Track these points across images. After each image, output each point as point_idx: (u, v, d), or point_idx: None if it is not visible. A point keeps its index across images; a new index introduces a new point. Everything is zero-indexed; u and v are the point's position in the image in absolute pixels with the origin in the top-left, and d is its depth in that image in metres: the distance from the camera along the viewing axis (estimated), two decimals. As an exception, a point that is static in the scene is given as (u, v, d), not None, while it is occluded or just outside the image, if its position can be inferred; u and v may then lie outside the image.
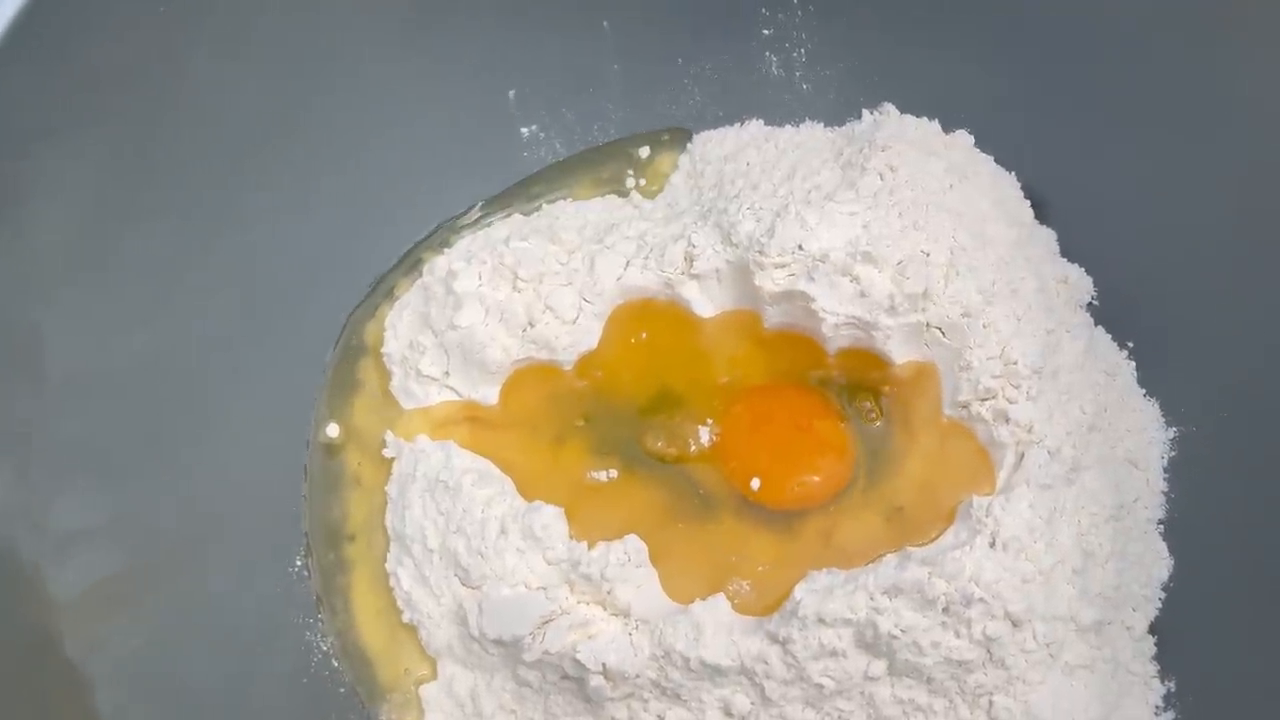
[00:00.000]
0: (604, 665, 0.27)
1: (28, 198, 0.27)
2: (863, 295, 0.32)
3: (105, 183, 0.29)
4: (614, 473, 0.31)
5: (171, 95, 0.29)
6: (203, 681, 0.28)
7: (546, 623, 0.28)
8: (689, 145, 0.38)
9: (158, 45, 0.29)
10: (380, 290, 0.35)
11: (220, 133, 0.31)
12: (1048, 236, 0.35)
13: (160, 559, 0.29)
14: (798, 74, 0.38)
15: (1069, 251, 0.35)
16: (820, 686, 0.27)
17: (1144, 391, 0.34)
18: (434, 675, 0.30)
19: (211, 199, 0.31)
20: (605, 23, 0.36)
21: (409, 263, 0.35)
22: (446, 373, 0.33)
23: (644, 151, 0.37)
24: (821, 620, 0.27)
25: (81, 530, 0.28)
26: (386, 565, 0.31)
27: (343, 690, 0.29)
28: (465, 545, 0.29)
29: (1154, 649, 0.30)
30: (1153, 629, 0.30)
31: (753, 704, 0.27)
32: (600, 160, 0.37)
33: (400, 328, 0.34)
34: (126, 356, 0.30)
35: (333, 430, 0.33)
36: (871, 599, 0.27)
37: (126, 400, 0.29)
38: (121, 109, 0.29)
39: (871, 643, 0.27)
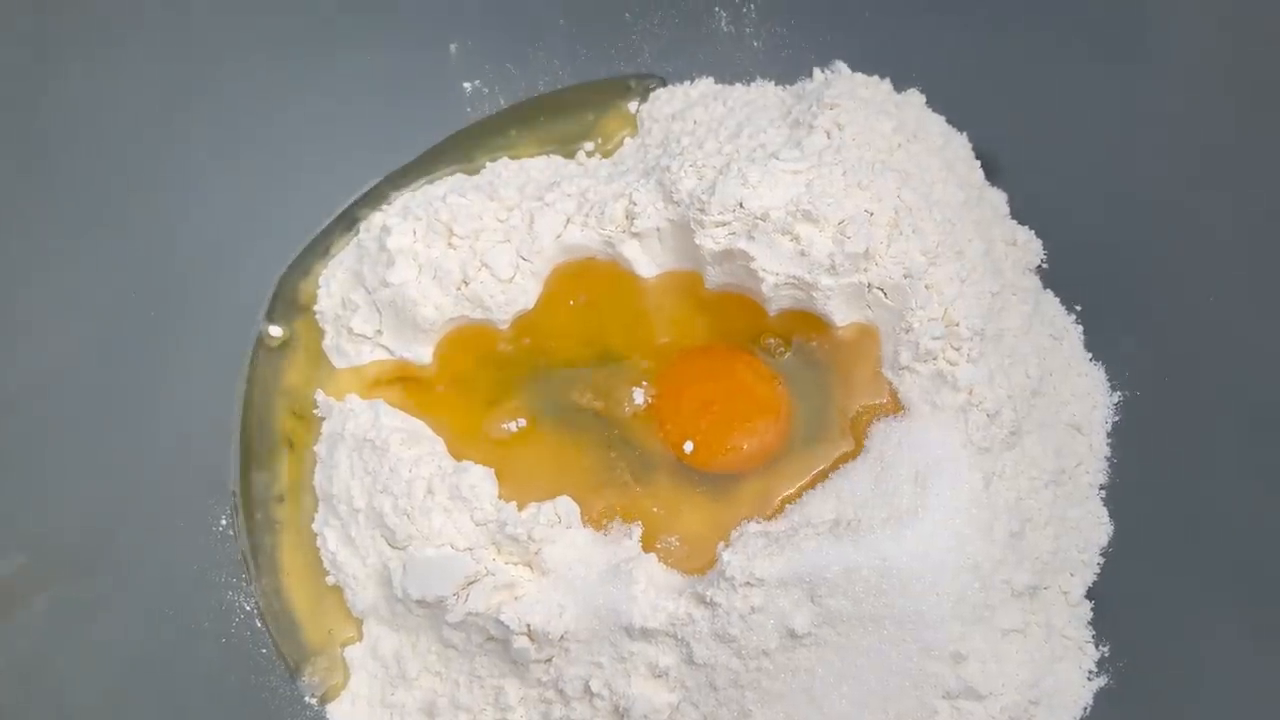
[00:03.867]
0: (528, 626, 0.27)
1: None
2: (803, 255, 0.31)
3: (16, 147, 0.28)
4: (547, 435, 0.31)
5: (87, 46, 0.28)
6: (121, 640, 0.27)
7: (471, 583, 0.27)
8: (635, 106, 0.37)
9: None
10: (316, 249, 0.34)
11: (141, 86, 0.30)
12: (998, 198, 0.35)
13: (87, 523, 0.28)
14: (748, 30, 0.37)
15: (1019, 214, 0.35)
16: (747, 646, 0.27)
17: (1090, 356, 0.33)
18: (359, 637, 0.29)
19: (133, 155, 0.30)
20: (549, -27, 0.35)
21: (345, 221, 0.35)
22: (379, 331, 0.32)
23: (593, 113, 0.37)
24: (749, 581, 0.27)
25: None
26: (314, 526, 0.30)
27: (265, 651, 0.29)
28: (392, 505, 0.28)
29: (1090, 614, 0.30)
30: (1090, 594, 0.30)
31: (680, 663, 0.27)
32: (545, 118, 0.36)
33: (333, 285, 0.33)
34: (55, 324, 0.29)
35: (263, 389, 0.32)
36: (801, 556, 0.27)
37: (61, 362, 0.28)
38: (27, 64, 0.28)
39: (800, 599, 0.27)
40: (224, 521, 0.30)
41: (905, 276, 0.31)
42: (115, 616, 0.27)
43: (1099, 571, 0.30)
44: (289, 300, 0.33)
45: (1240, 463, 0.29)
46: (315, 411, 0.31)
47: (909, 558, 0.28)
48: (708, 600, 0.27)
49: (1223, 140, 0.31)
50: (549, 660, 0.28)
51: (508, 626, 0.27)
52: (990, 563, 0.28)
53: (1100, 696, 0.28)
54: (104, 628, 0.27)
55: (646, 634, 0.27)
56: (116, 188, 0.29)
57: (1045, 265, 0.34)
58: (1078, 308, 0.33)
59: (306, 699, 0.29)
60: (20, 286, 0.27)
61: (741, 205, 0.31)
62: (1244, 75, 0.30)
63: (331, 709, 0.29)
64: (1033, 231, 0.34)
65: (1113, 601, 0.30)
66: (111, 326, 0.29)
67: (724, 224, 0.31)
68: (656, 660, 0.27)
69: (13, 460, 0.26)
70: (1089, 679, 0.29)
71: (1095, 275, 0.33)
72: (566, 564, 0.28)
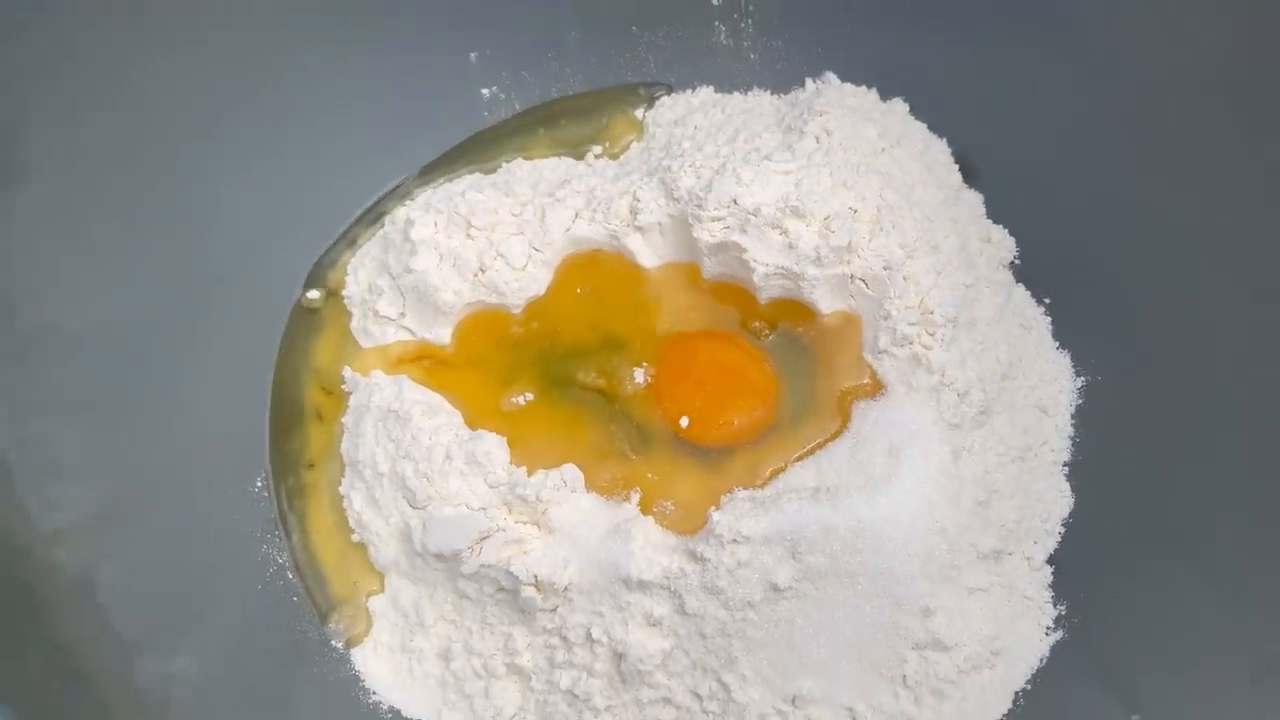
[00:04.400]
0: (535, 577, 0.30)
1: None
2: (791, 247, 0.34)
3: (84, 147, 0.31)
4: (555, 409, 0.34)
5: (143, 58, 0.31)
6: (168, 588, 0.30)
7: (484, 539, 0.30)
8: (641, 112, 0.40)
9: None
10: (344, 240, 0.37)
11: (194, 92, 0.33)
12: (974, 199, 0.37)
13: (136, 486, 0.31)
14: (746, 43, 0.40)
15: (994, 214, 0.37)
16: (734, 598, 0.29)
17: (1057, 345, 0.36)
18: (382, 589, 0.32)
19: (186, 153, 0.33)
20: (562, -10, 0.38)
21: (372, 215, 0.38)
22: (402, 314, 0.35)
23: (602, 118, 0.40)
24: (736, 539, 0.30)
25: (68, 464, 0.30)
26: (340, 489, 0.33)
27: (296, 600, 0.32)
28: (413, 469, 0.31)
29: (1049, 578, 0.32)
30: (1051, 560, 0.33)
31: (673, 613, 0.30)
32: (557, 122, 0.39)
33: (360, 272, 0.36)
34: (108, 305, 0.32)
35: (295, 367, 0.35)
36: (783, 517, 0.30)
37: (110, 346, 0.31)
38: (94, 74, 0.31)
39: (782, 555, 0.29)
40: (259, 484, 0.33)
41: (885, 268, 0.34)
42: (163, 563, 0.30)
43: (1060, 540, 0.33)
44: (320, 286, 0.36)
45: (1190, 442, 0.32)
46: (343, 387, 0.34)
47: (881, 520, 0.30)
48: (698, 556, 0.30)
49: (1178, 149, 0.34)
50: (554, 609, 0.30)
51: (517, 577, 0.30)
52: (957, 527, 0.31)
53: (1056, 649, 0.31)
54: (153, 575, 0.30)
55: (643, 586, 0.30)
56: (169, 179, 0.32)
57: (1018, 261, 0.37)
58: (1046, 300, 0.36)
59: (334, 643, 0.32)
60: (97, 253, 0.30)
61: (735, 202, 0.34)
62: (1201, 86, 0.33)
63: (356, 653, 0.32)
64: (1006, 230, 0.37)
65: (1071, 566, 0.32)
66: (160, 306, 0.32)
67: (719, 219, 0.34)
68: (651, 610, 0.30)
69: (79, 404, 0.30)
70: (1046, 634, 0.31)
71: (1063, 271, 0.36)
72: (571, 524, 0.31)
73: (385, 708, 0.31)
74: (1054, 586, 0.32)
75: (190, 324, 0.33)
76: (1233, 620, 0.29)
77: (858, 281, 0.34)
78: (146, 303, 0.32)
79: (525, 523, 0.31)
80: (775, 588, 0.29)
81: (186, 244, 0.33)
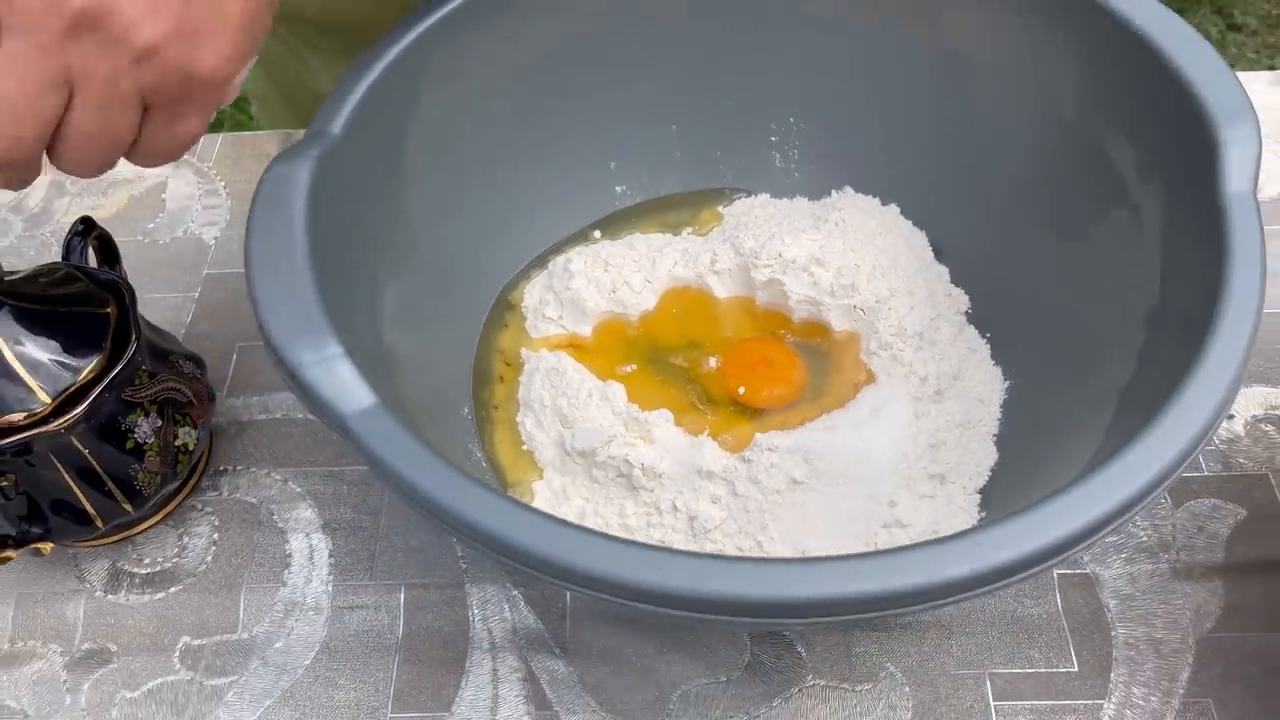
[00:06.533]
0: (642, 465, 0.46)
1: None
2: (815, 285, 0.52)
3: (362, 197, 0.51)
4: (655, 379, 0.51)
5: (440, 131, 0.50)
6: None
7: (610, 441, 0.47)
8: (722, 208, 0.59)
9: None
10: (521, 274, 0.56)
11: (444, 167, 0.53)
12: (941, 269, 0.55)
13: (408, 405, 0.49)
14: (792, 166, 0.59)
15: (955, 279, 0.55)
16: (768, 486, 0.46)
17: (993, 362, 0.53)
18: (541, 478, 0.49)
19: (433, 216, 0.53)
20: (673, 126, 0.58)
21: (539, 261, 0.57)
22: (560, 317, 0.53)
23: (694, 210, 0.59)
24: (770, 448, 0.46)
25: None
26: (517, 418, 0.51)
27: (487, 480, 0.49)
28: (566, 402, 0.49)
29: (977, 499, 0.48)
30: (980, 491, 0.49)
31: (728, 495, 0.46)
32: (663, 211, 0.59)
33: (533, 292, 0.54)
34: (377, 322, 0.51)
35: (488, 348, 0.53)
36: (800, 437, 0.47)
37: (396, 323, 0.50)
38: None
39: (799, 461, 0.46)
40: (465, 411, 0.51)
41: (876, 302, 0.52)
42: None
43: (986, 480, 0.49)
44: (507, 302, 0.55)
45: (1081, 421, 0.48)
46: (520, 360, 0.53)
47: (863, 444, 0.46)
48: (746, 459, 0.47)
49: (1084, 243, 0.51)
50: (652, 490, 0.47)
51: (631, 464, 0.46)
52: (914, 455, 0.47)
53: (975, 533, 0.46)
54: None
55: (709, 475, 0.46)
56: (426, 231, 0.52)
57: (970, 311, 0.54)
58: (988, 334, 0.53)
59: (509, 509, 0.48)
60: (360, 285, 0.49)
61: (780, 255, 0.52)
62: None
63: (522, 516, 0.48)
64: (963, 290, 0.55)
65: (992, 496, 0.48)
66: (416, 308, 0.51)
67: (769, 266, 0.53)
68: (714, 491, 0.46)
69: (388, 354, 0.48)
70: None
71: (999, 316, 0.53)
72: (665, 437, 0.48)
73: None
74: (980, 506, 0.48)
75: (434, 320, 0.51)
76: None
77: (858, 310, 0.52)
78: (406, 308, 0.51)
79: (636, 437, 0.48)
80: (794, 481, 0.46)
81: (426, 273, 0.52)
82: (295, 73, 0.60)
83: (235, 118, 1.67)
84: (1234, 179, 0.39)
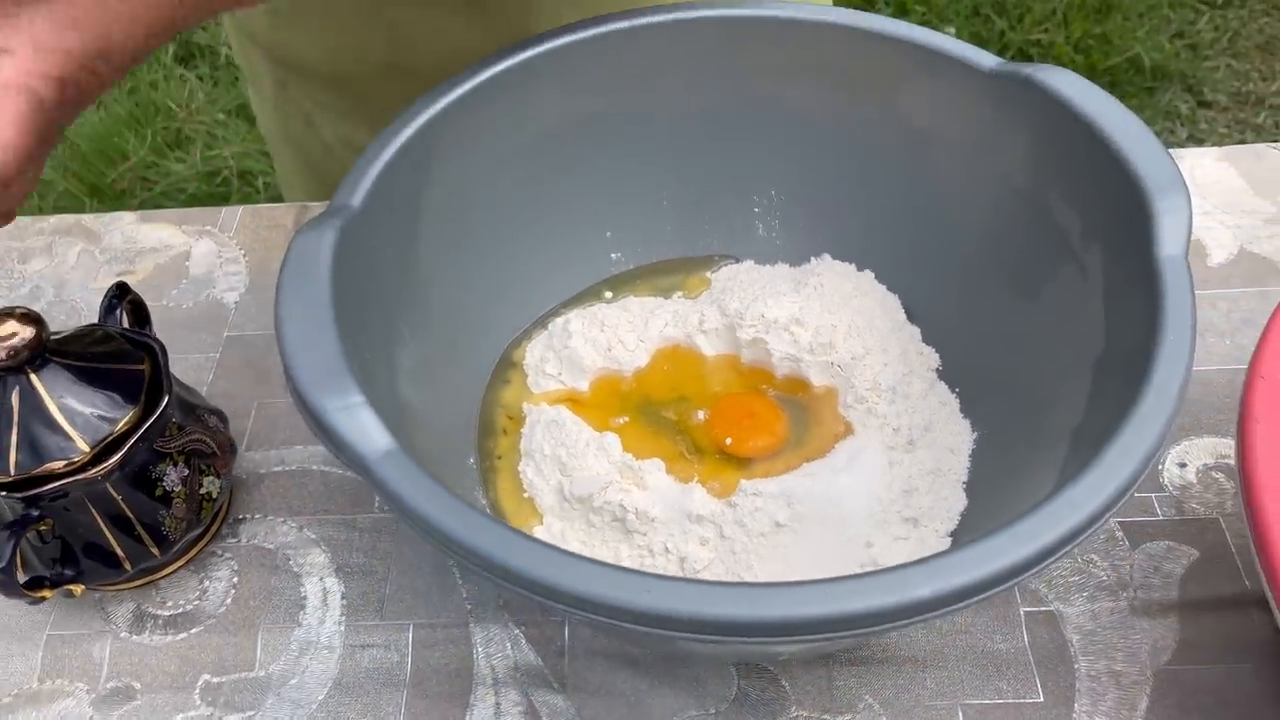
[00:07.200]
0: (636, 509, 0.50)
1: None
2: (796, 343, 0.56)
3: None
4: (646, 430, 0.55)
5: (443, 205, 0.56)
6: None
7: (606, 488, 0.51)
8: (710, 273, 0.64)
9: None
10: (524, 334, 0.60)
11: (454, 236, 0.58)
12: (913, 329, 0.59)
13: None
14: (774, 235, 0.63)
15: (926, 339, 0.59)
16: (753, 529, 0.49)
17: (963, 414, 0.57)
18: (542, 523, 0.52)
19: (443, 274, 0.57)
20: (664, 199, 0.62)
21: (540, 322, 0.61)
22: (560, 373, 0.57)
23: (685, 275, 0.64)
24: (755, 494, 0.50)
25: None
26: (519, 469, 0.54)
27: (491, 524, 0.52)
28: (566, 453, 0.52)
29: (949, 542, 0.52)
30: (951, 535, 0.52)
31: (716, 537, 0.50)
32: (656, 276, 0.63)
33: (534, 351, 0.58)
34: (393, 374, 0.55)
35: (492, 403, 0.57)
36: (783, 482, 0.50)
37: (410, 379, 0.54)
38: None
39: (781, 505, 0.50)
40: (471, 462, 0.55)
41: (852, 359, 0.56)
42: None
43: (956, 524, 0.52)
44: (509, 360, 0.59)
45: (1039, 462, 0.52)
46: (522, 413, 0.56)
47: (840, 490, 0.50)
48: (732, 504, 0.50)
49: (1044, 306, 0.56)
50: (645, 533, 0.50)
51: (625, 509, 0.50)
52: (887, 501, 0.50)
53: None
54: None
55: (698, 519, 0.49)
56: (437, 290, 0.56)
57: (940, 369, 0.59)
58: (957, 390, 0.57)
59: (511, 551, 0.52)
60: (378, 349, 0.53)
61: (763, 316, 0.57)
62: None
63: (523, 558, 0.52)
64: (933, 349, 0.59)
65: (962, 539, 0.52)
66: (427, 365, 0.55)
67: (753, 326, 0.57)
68: (703, 534, 0.49)
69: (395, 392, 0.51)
70: (942, 565, 0.50)
71: (967, 374, 0.57)
72: (657, 485, 0.51)
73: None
74: (951, 548, 0.51)
75: (444, 376, 0.55)
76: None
77: (836, 366, 0.56)
78: (418, 364, 0.55)
79: (630, 483, 0.52)
80: (778, 524, 0.49)
81: (437, 333, 0.57)
82: (303, 122, 0.65)
83: (243, 190, 1.73)
84: (1167, 244, 0.43)
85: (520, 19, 0.60)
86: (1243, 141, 2.05)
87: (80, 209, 1.72)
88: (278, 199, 1.69)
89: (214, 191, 1.74)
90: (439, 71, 0.53)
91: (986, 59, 0.52)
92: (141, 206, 1.76)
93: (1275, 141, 0.69)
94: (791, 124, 0.59)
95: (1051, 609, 0.50)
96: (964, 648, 0.49)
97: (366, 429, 0.40)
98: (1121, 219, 0.46)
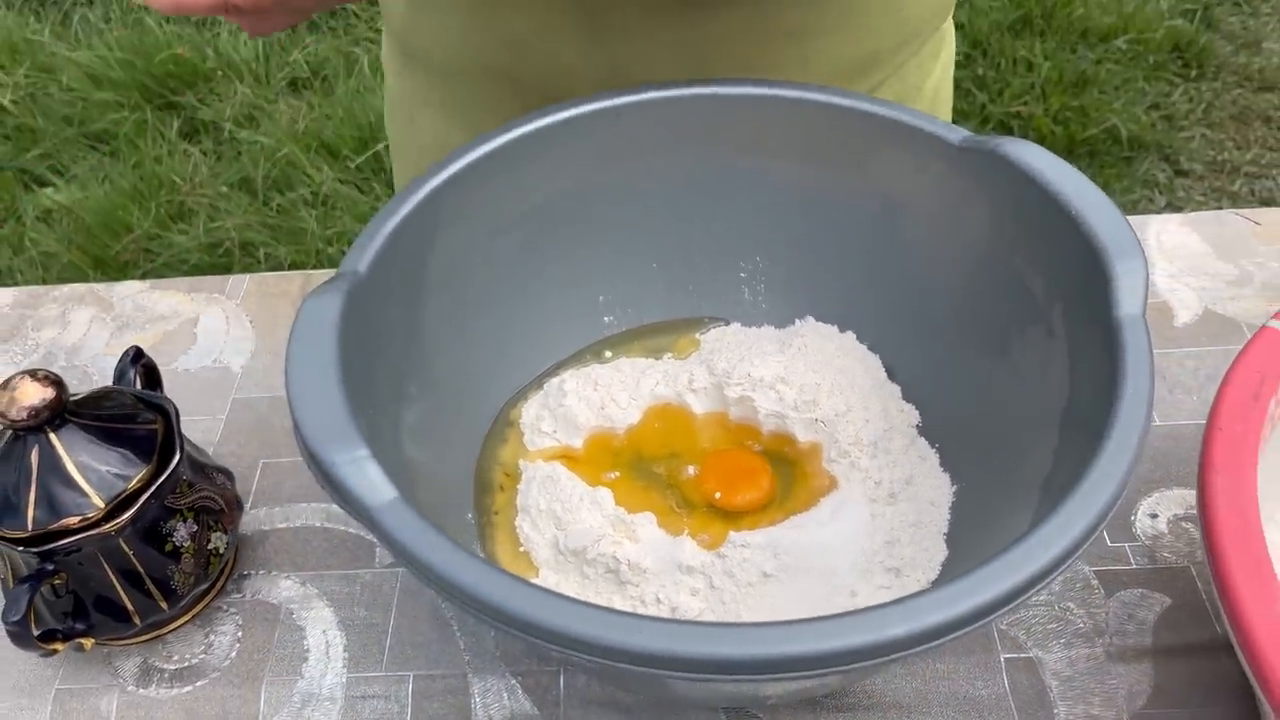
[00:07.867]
0: (628, 561, 0.52)
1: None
2: (780, 400, 0.59)
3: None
4: (638, 485, 0.57)
5: (447, 272, 0.59)
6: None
7: (599, 540, 0.53)
8: (698, 335, 0.67)
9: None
10: (519, 395, 0.63)
11: (454, 301, 0.60)
12: (894, 388, 0.62)
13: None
14: (760, 299, 0.66)
15: (906, 396, 0.62)
16: (741, 579, 0.51)
17: (942, 468, 0.59)
18: (538, 576, 0.54)
19: (444, 337, 0.60)
20: (654, 265, 0.65)
21: (537, 382, 0.63)
22: (555, 431, 0.60)
23: (675, 337, 0.66)
24: (744, 545, 0.52)
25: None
26: (515, 523, 0.56)
27: (489, 577, 0.54)
28: (560, 507, 0.54)
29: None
30: (932, 583, 0.54)
31: (705, 588, 0.52)
32: (646, 338, 0.66)
33: (530, 410, 0.61)
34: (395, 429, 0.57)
35: (489, 460, 0.59)
36: (771, 535, 0.52)
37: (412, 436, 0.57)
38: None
39: (769, 556, 0.52)
40: (469, 517, 0.57)
41: (835, 416, 0.58)
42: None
43: (938, 573, 0.54)
44: (507, 418, 0.61)
45: (1013, 512, 0.54)
46: (518, 470, 0.59)
47: (825, 541, 0.52)
48: (721, 555, 0.52)
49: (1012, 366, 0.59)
50: (637, 584, 0.52)
51: (618, 560, 0.52)
52: (870, 552, 0.53)
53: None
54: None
55: (689, 570, 0.51)
56: (438, 354, 0.59)
57: (920, 425, 0.61)
58: (937, 445, 0.60)
59: (508, 602, 0.53)
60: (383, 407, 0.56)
61: (750, 375, 0.59)
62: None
63: (520, 610, 0.53)
64: (913, 406, 0.62)
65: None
66: (428, 423, 0.58)
67: (740, 385, 0.59)
68: (693, 585, 0.51)
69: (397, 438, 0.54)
70: (923, 613, 0.52)
71: (947, 430, 0.60)
72: (649, 537, 0.53)
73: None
74: (933, 594, 0.53)
75: (444, 434, 0.58)
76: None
77: (820, 422, 0.58)
78: (420, 422, 0.57)
79: (622, 535, 0.54)
80: (765, 574, 0.51)
81: (438, 393, 0.59)
82: (407, 120, 0.66)
83: (244, 261, 1.77)
84: (1126, 304, 0.46)
85: (629, 60, 0.59)
86: (1219, 208, 2.10)
87: (85, 280, 1.76)
88: (278, 269, 1.73)
89: (216, 262, 1.78)
90: (546, 89, 0.56)
91: (955, 133, 0.55)
92: (145, 277, 1.79)
93: (1252, 207, 0.73)
94: (775, 194, 0.62)
95: (1031, 655, 0.52)
96: (947, 694, 0.51)
97: (372, 480, 0.42)
98: (1083, 281, 0.48)
